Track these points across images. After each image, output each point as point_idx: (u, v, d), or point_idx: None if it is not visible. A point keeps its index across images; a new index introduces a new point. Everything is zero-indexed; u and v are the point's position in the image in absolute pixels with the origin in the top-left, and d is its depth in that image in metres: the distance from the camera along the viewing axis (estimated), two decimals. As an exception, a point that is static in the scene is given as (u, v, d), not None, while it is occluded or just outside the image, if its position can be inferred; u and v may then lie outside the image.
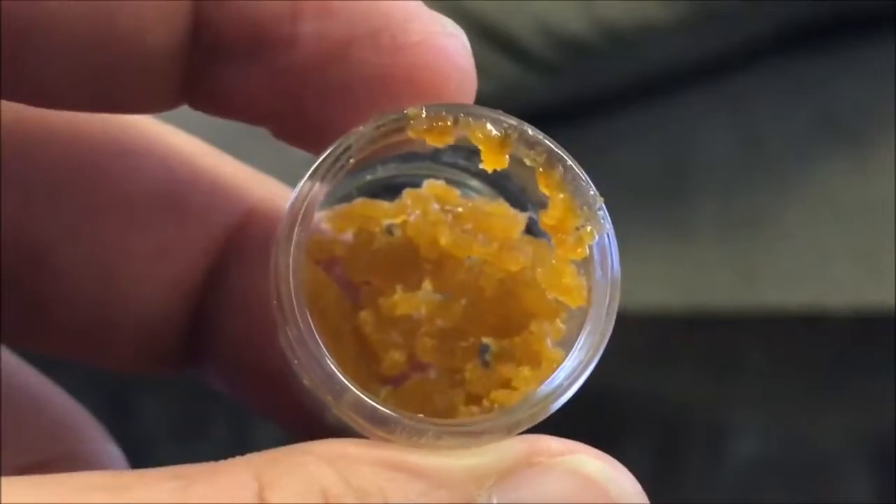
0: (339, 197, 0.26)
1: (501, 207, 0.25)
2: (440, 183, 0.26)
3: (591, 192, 0.24)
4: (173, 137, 0.29)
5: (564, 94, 0.73)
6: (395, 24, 0.25)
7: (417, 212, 0.25)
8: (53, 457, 0.30)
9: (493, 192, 0.26)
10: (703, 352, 0.70)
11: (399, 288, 0.25)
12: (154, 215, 0.29)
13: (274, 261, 0.23)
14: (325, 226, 0.26)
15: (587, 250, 0.24)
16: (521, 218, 0.25)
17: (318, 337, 0.23)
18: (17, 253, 0.28)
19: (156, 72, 0.25)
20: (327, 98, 0.25)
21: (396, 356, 0.25)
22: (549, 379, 0.23)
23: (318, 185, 0.23)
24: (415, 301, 0.25)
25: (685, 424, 0.68)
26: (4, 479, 0.19)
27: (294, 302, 0.23)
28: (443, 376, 0.25)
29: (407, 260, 0.25)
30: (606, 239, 0.24)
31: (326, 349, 0.23)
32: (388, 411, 0.22)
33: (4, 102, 0.27)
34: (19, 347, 0.31)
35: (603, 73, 0.73)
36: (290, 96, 0.25)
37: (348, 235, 0.26)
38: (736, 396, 0.70)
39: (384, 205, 0.26)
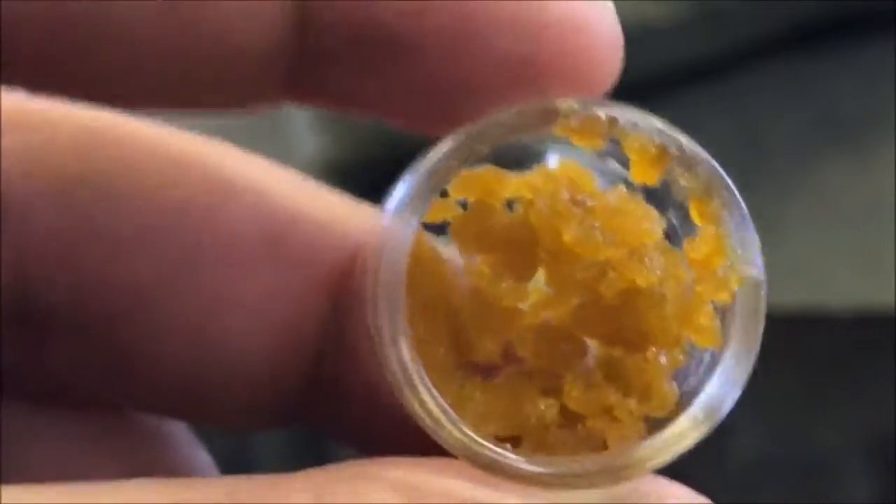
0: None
1: (639, 207, 0.23)
2: (575, 164, 0.23)
3: (749, 233, 0.22)
4: (268, 173, 0.27)
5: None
6: (534, 4, 0.22)
7: (545, 197, 0.22)
8: (142, 465, 0.29)
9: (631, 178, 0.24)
10: (703, 352, 0.70)
11: (509, 274, 0.23)
12: (253, 262, 0.26)
13: (373, 277, 0.21)
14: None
15: (731, 296, 0.22)
16: (659, 223, 0.23)
17: (424, 374, 0.21)
18: (101, 308, 0.26)
19: (249, 74, 0.23)
20: (462, 93, 0.23)
21: (491, 345, 0.23)
22: (663, 433, 0.22)
23: (430, 191, 0.22)
24: (524, 293, 0.23)
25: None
26: (5, 488, 0.19)
27: (405, 349, 0.21)
28: (537, 378, 0.23)
29: (523, 245, 0.23)
30: (756, 287, 0.22)
31: (432, 383, 0.21)
32: (479, 449, 0.21)
33: (83, 150, 0.26)
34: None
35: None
36: (419, 93, 0.23)
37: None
38: (736, 396, 0.70)
39: (511, 177, 0.23)
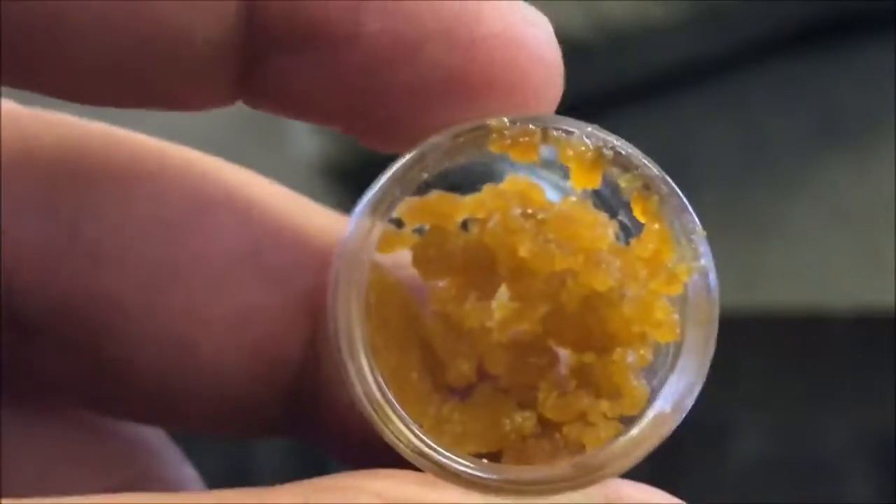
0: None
1: (589, 214, 0.23)
2: (523, 178, 0.24)
3: (691, 224, 0.22)
4: (251, 186, 0.27)
5: (563, 94, 0.73)
6: (470, 16, 0.22)
7: (497, 215, 0.23)
8: (127, 480, 0.29)
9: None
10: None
11: (472, 295, 0.23)
12: (234, 277, 0.27)
13: (332, 298, 0.22)
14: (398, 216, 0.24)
15: (682, 287, 0.22)
16: (610, 227, 0.23)
17: (388, 392, 0.21)
18: (83, 319, 0.26)
19: (203, 68, 0.23)
20: (397, 98, 0.23)
21: (464, 367, 0.23)
22: (631, 431, 0.22)
23: (378, 219, 0.22)
24: (488, 312, 0.23)
25: (685, 424, 0.68)
26: (5, 501, 0.19)
27: (364, 360, 0.21)
28: (513, 392, 0.23)
29: (482, 265, 0.23)
30: (706, 276, 0.22)
31: (394, 397, 0.21)
32: (450, 464, 0.21)
33: (67, 156, 0.25)
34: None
35: (603, 73, 0.73)
36: (356, 95, 0.23)
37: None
38: (736, 396, 0.70)
39: (461, 200, 0.23)
